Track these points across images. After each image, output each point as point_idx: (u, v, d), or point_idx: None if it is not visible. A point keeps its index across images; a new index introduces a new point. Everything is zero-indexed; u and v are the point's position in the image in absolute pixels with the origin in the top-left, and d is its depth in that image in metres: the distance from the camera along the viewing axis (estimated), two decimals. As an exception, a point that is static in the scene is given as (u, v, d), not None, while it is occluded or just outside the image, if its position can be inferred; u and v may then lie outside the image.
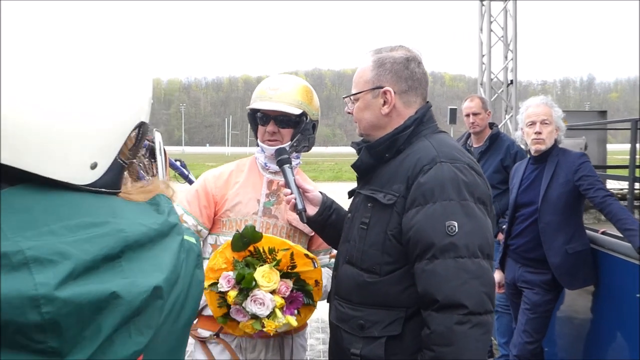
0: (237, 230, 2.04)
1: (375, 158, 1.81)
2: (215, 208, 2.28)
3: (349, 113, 1.89)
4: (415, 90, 1.80)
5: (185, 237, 0.81)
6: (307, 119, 2.27)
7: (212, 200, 2.28)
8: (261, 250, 1.97)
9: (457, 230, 1.55)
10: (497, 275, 3.61)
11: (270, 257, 1.97)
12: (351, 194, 2.01)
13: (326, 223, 2.08)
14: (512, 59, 9.94)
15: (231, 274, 1.95)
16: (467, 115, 4.48)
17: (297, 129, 2.26)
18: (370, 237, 1.73)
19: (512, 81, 10.07)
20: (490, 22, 10.08)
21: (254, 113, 2.31)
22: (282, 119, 2.23)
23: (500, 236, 3.79)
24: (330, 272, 2.17)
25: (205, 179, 2.34)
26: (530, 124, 3.38)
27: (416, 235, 1.59)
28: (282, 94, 2.21)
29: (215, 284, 1.98)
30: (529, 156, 3.62)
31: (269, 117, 2.24)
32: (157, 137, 3.20)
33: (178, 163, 3.76)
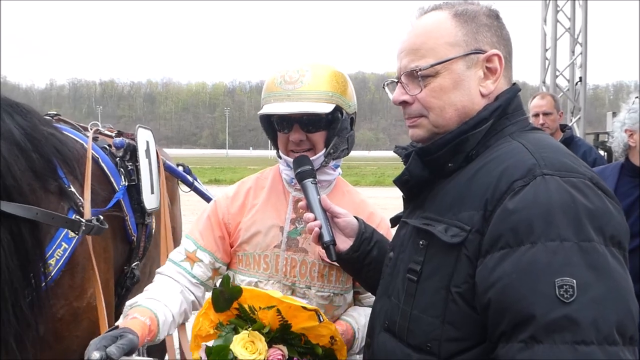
0: (215, 285, 1.52)
1: (432, 169, 1.18)
2: (230, 239, 1.74)
3: (403, 103, 1.21)
4: (511, 62, 1.19)
5: None
6: (342, 115, 1.68)
7: (226, 230, 1.74)
8: (246, 309, 1.46)
9: (576, 293, 0.90)
10: None
11: (256, 317, 1.47)
12: (395, 221, 1.37)
13: (364, 262, 1.47)
14: (581, 53, 8.94)
15: (211, 344, 1.45)
16: (536, 115, 3.91)
17: (332, 130, 1.68)
18: (424, 296, 1.10)
19: (580, 78, 9.08)
20: (557, 12, 9.08)
21: (268, 117, 1.73)
22: (309, 121, 1.65)
23: None
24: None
25: (217, 201, 1.80)
26: None
27: (502, 297, 0.96)
28: (304, 89, 1.63)
29: None
30: (614, 163, 2.91)
31: (291, 120, 1.66)
32: (144, 135, 2.58)
33: (180, 168, 3.17)
